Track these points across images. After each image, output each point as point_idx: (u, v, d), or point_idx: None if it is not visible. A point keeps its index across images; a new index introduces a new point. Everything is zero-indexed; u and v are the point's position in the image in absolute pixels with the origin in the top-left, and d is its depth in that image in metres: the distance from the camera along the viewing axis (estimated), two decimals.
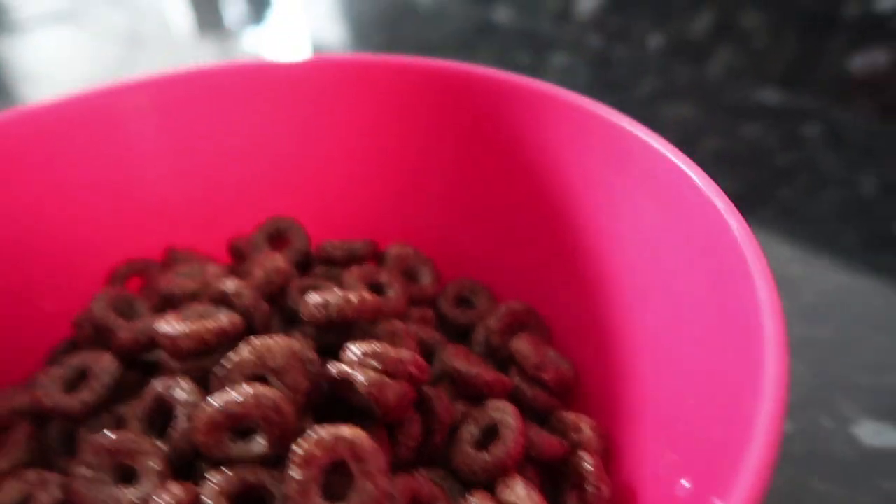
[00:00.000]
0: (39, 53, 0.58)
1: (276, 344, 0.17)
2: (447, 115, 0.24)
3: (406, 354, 0.17)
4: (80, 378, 0.18)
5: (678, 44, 0.51)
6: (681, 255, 0.17)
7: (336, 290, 0.19)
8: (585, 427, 0.19)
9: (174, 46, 0.60)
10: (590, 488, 0.17)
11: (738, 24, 0.47)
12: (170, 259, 0.24)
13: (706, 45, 0.49)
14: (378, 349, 0.17)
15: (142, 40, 0.60)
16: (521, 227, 0.24)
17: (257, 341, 0.17)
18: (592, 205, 0.21)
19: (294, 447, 0.15)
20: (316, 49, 0.59)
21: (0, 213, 0.22)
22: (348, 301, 0.18)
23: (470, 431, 0.18)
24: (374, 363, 0.17)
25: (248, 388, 0.15)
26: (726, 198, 0.16)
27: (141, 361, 0.20)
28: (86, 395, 0.18)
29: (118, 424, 0.18)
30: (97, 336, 0.20)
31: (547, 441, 0.18)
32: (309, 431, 0.15)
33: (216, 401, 0.15)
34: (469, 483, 0.17)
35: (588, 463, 0.18)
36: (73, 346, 0.21)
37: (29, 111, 0.22)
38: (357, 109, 0.25)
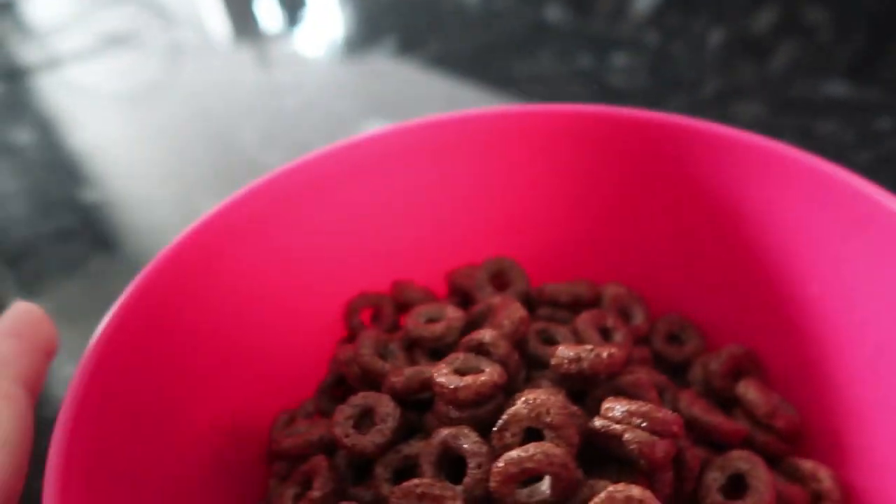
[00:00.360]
0: (89, 78, 0.61)
1: (549, 400, 0.19)
2: (658, 164, 0.25)
3: (669, 416, 0.19)
4: (363, 416, 0.21)
5: (740, 39, 0.50)
6: None
7: (586, 346, 0.21)
8: (825, 476, 0.20)
9: (213, 54, 0.62)
10: None
11: (802, 19, 0.46)
12: (398, 293, 0.27)
13: (769, 41, 0.48)
14: (643, 409, 0.19)
15: (182, 52, 0.63)
16: (733, 274, 0.25)
17: (531, 396, 0.19)
18: (814, 261, 0.22)
19: None
20: (356, 54, 0.57)
21: (269, 256, 0.25)
22: (600, 358, 0.20)
23: (714, 478, 0.20)
24: (639, 421, 0.19)
25: (538, 447, 0.18)
26: None
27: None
28: (377, 437, 0.20)
29: (402, 462, 0.20)
30: (364, 375, 0.23)
31: (793, 493, 0.19)
32: (602, 489, 0.17)
33: (512, 456, 0.18)
34: None
35: None
36: (341, 379, 0.24)
37: (298, 165, 0.25)
38: (567, 156, 0.27)
